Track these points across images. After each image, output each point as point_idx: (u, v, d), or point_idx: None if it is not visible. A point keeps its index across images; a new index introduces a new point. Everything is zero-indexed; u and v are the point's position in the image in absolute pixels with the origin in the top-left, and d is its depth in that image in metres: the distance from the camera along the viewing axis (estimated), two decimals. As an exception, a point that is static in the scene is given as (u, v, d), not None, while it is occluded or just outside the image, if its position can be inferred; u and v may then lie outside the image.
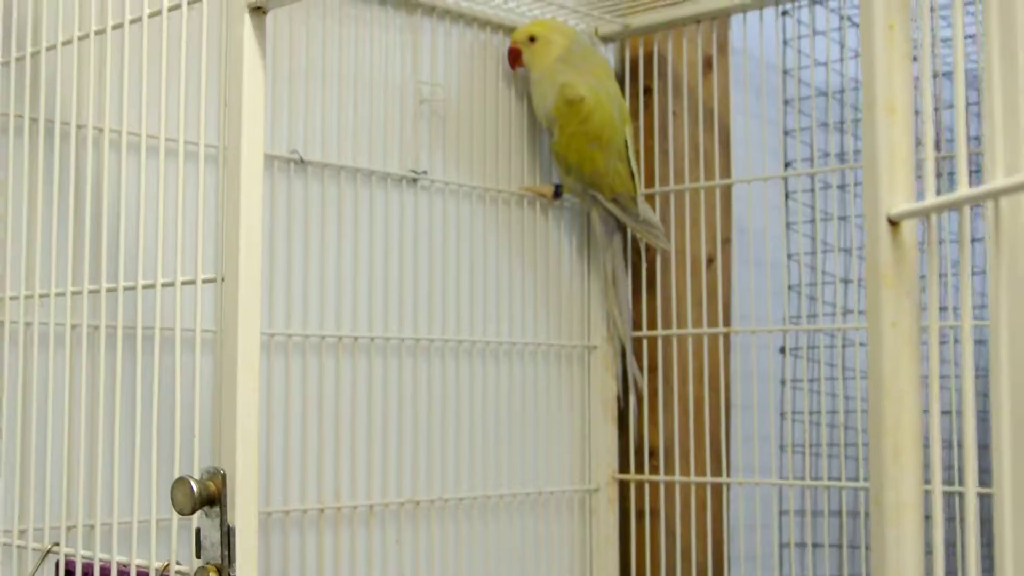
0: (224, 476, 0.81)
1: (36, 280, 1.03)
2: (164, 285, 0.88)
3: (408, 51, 1.44)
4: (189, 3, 0.89)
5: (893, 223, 0.57)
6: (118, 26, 0.94)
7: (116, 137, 1.07)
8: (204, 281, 0.85)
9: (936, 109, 1.86)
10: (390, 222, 1.41)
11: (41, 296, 1.01)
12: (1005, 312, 0.52)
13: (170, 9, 0.90)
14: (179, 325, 0.86)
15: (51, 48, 1.01)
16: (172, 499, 0.81)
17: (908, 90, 0.59)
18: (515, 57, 1.52)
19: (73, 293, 0.96)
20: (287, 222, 1.32)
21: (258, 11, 0.84)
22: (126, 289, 0.92)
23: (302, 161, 1.33)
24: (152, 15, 0.92)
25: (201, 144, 0.87)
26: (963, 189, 0.54)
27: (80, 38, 0.99)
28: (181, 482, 0.81)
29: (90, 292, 0.94)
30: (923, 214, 0.56)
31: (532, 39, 1.50)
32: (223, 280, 0.83)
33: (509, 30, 1.55)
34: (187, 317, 0.89)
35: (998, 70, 0.54)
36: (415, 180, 1.44)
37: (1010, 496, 0.52)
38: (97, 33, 0.97)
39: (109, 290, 0.94)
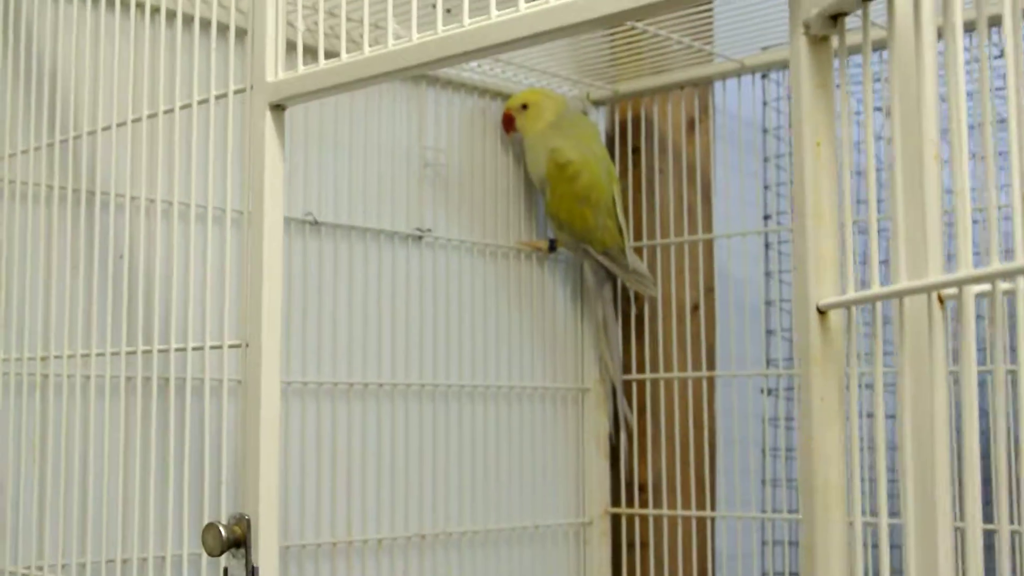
0: (248, 521, 0.89)
1: (79, 339, 1.12)
2: (194, 349, 0.97)
3: (413, 119, 1.54)
4: (216, 98, 0.98)
5: (821, 312, 0.66)
6: (153, 115, 1.04)
7: (152, 206, 1.16)
8: (230, 346, 0.94)
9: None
10: (397, 276, 1.50)
11: (83, 356, 1.10)
12: (908, 392, 0.61)
13: (200, 102, 0.99)
14: (208, 388, 0.95)
15: (91, 132, 1.10)
16: (203, 542, 0.90)
17: (833, 198, 0.68)
18: (509, 123, 1.61)
19: (112, 354, 1.05)
20: (303, 278, 1.41)
21: (278, 108, 0.93)
22: (160, 352, 1.01)
23: (316, 222, 1.42)
24: (183, 107, 1.01)
25: (228, 221, 0.96)
26: (875, 287, 0.62)
27: (118, 124, 1.08)
28: (211, 527, 0.89)
29: (127, 353, 1.03)
30: (844, 305, 0.65)
31: (524, 106, 1.59)
32: (247, 346, 0.92)
33: (506, 97, 1.64)
34: (216, 367, 0.98)
35: (901, 180, 0.63)
36: (420, 237, 1.53)
37: (915, 555, 0.60)
38: (134, 121, 1.07)
39: (145, 352, 1.03)
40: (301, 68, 0.92)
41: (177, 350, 0.99)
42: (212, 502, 0.95)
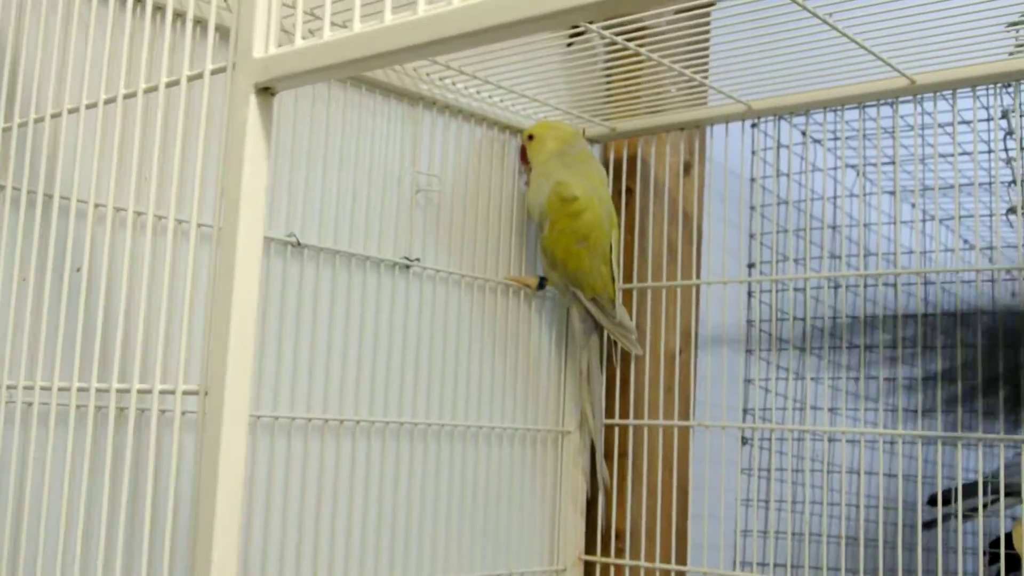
0: (194, 625, 0.57)
1: (22, 366, 0.78)
2: (140, 392, 0.65)
3: (408, 142, 1.22)
4: (189, 79, 0.66)
5: None
6: (111, 100, 0.71)
7: (106, 212, 0.83)
8: (185, 393, 0.61)
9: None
10: (381, 306, 1.18)
11: (25, 387, 0.77)
12: None
13: (168, 85, 0.67)
14: (154, 445, 0.62)
15: (39, 120, 0.77)
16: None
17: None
18: (524, 155, 1.31)
19: (42, 388, 0.72)
20: (280, 303, 1.09)
21: (266, 92, 0.61)
22: (99, 391, 0.68)
23: (299, 244, 1.10)
24: (148, 90, 0.68)
25: (193, 236, 0.64)
26: None
27: (70, 111, 0.75)
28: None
29: (60, 390, 0.70)
30: None
31: (531, 137, 1.30)
32: (206, 394, 0.59)
33: (504, 128, 1.33)
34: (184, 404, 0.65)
35: None
36: (408, 267, 1.21)
37: None
38: (88, 107, 0.74)
39: (80, 389, 0.69)
40: (299, 41, 0.60)
41: (120, 391, 0.66)
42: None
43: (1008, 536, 1.55)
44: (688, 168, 1.45)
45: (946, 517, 1.65)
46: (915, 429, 1.24)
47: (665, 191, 1.42)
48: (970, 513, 1.62)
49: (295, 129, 1.11)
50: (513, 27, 0.51)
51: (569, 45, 1.29)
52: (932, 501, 1.64)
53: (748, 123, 1.45)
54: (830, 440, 1.53)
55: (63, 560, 0.68)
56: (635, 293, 1.39)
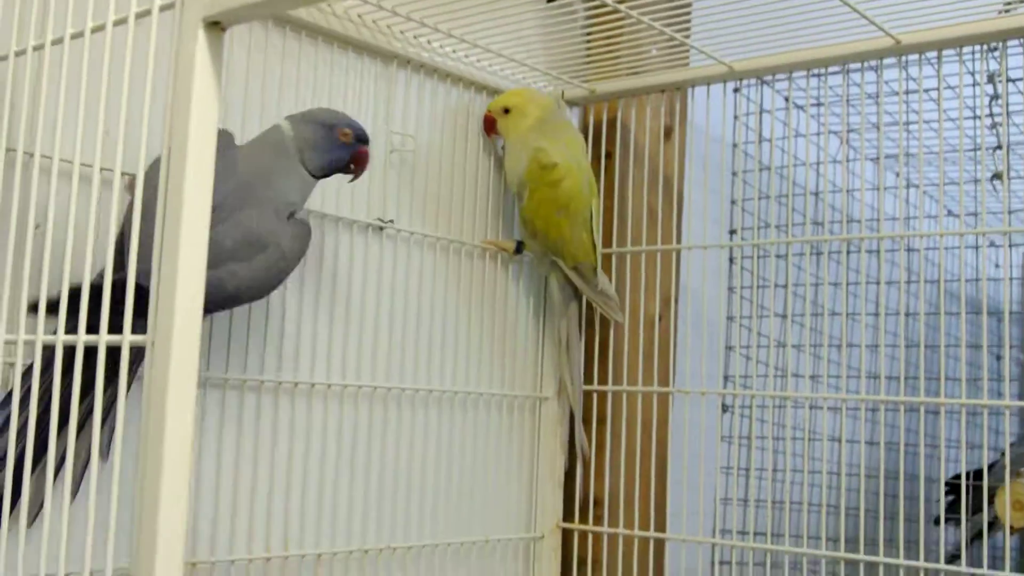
0: (136, 589, 0.53)
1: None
2: (87, 344, 0.61)
3: (381, 101, 1.18)
4: (138, 17, 0.61)
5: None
6: (57, 41, 0.67)
7: (63, 166, 0.79)
8: (132, 344, 0.57)
9: None
10: (354, 269, 1.15)
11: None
12: None
13: (116, 23, 0.63)
14: (99, 392, 0.59)
15: (-14, 64, 0.73)
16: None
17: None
18: (490, 125, 1.26)
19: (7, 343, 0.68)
20: (249, 265, 1.05)
21: (215, 27, 0.57)
22: (45, 345, 0.64)
23: (268, 204, 1.06)
24: (95, 29, 0.64)
25: (140, 179, 0.60)
26: None
27: (17, 54, 0.71)
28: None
29: (6, 343, 0.66)
30: None
31: (506, 110, 1.24)
32: (153, 345, 0.56)
33: (481, 88, 1.29)
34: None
35: None
36: (381, 228, 1.17)
37: None
38: (36, 48, 0.69)
39: (27, 342, 0.66)
40: (248, -28, 0.56)
41: (66, 344, 0.63)
42: (95, 545, 0.59)
43: (969, 474, 1.53)
44: (669, 132, 1.41)
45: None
46: (896, 395, 1.21)
47: (645, 156, 1.38)
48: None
49: (264, 85, 1.06)
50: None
51: (549, 1, 1.25)
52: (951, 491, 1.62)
53: (730, 87, 1.41)
54: (811, 408, 1.50)
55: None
56: (614, 258, 1.36)
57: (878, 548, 1.21)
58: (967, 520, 1.58)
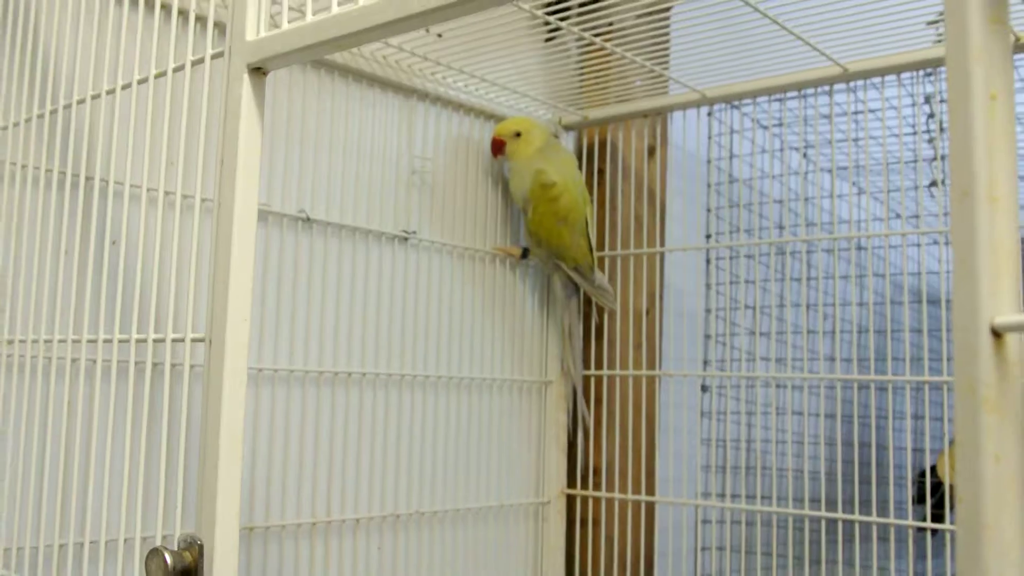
0: (201, 547, 0.54)
1: (43, 324, 0.76)
2: (156, 341, 0.62)
3: (404, 129, 1.19)
4: (193, 64, 0.63)
5: (997, 335, 0.33)
6: (127, 86, 0.68)
7: (126, 189, 0.80)
8: (193, 340, 0.59)
9: None
10: (383, 273, 1.16)
11: (46, 341, 0.74)
12: None
13: (175, 70, 0.64)
14: (168, 377, 0.60)
15: (67, 106, 0.74)
16: (147, 570, 0.54)
17: (1012, 172, 0.35)
18: (499, 147, 1.26)
19: (73, 341, 0.69)
20: (293, 272, 1.06)
21: (258, 72, 0.58)
22: (121, 342, 0.65)
23: (308, 219, 1.07)
24: (158, 75, 0.65)
25: (197, 207, 0.61)
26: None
27: (93, 97, 0.72)
28: (155, 554, 0.54)
29: (88, 341, 0.68)
30: (1042, 327, 0.32)
31: (517, 134, 1.25)
32: (210, 342, 0.57)
33: (488, 116, 1.30)
34: (181, 350, 0.62)
35: None
36: (406, 239, 1.18)
37: None
38: (108, 93, 0.71)
39: (106, 341, 0.67)
40: (286, 24, 0.57)
41: (139, 341, 0.64)
42: (167, 514, 0.60)
43: (933, 468, 1.53)
44: (652, 151, 1.42)
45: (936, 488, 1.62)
46: (851, 374, 1.21)
47: (632, 172, 1.39)
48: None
49: (304, 118, 1.08)
50: (468, 4, 0.48)
51: (547, 40, 1.25)
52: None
53: (704, 111, 1.41)
54: (778, 386, 1.50)
55: (92, 502, 0.66)
56: (607, 260, 1.36)
57: (837, 506, 1.21)
58: (913, 483, 1.58)
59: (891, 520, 1.11)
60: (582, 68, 1.29)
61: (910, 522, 1.09)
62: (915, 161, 1.47)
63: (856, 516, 1.13)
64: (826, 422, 1.34)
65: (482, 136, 1.29)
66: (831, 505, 1.20)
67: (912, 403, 1.29)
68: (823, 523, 1.16)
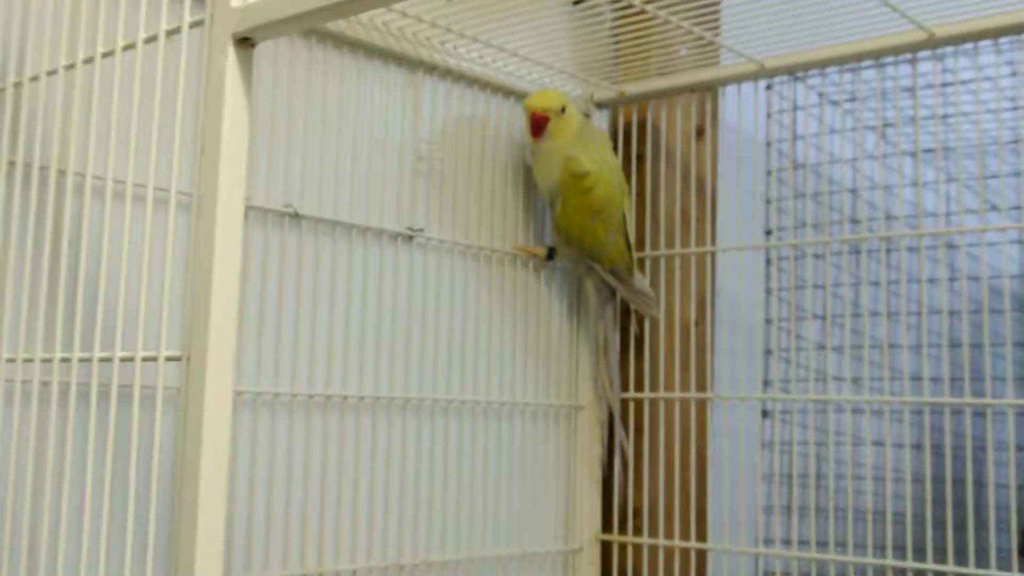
0: (179, 601, 0.55)
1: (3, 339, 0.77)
2: (123, 359, 0.63)
3: (408, 109, 1.20)
4: (168, 34, 0.63)
5: None
6: (88, 60, 0.69)
7: (85, 181, 0.81)
8: (168, 359, 0.59)
9: None
10: (384, 278, 1.16)
11: (8, 360, 0.75)
12: None
13: (146, 41, 0.65)
14: (136, 409, 0.61)
15: (17, 84, 0.75)
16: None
17: None
18: (541, 125, 1.21)
19: (24, 361, 0.70)
20: (279, 275, 1.07)
21: (245, 43, 0.59)
22: (81, 361, 0.66)
23: (297, 215, 1.08)
24: (126, 47, 0.66)
25: (172, 203, 0.62)
26: None
27: (49, 73, 0.73)
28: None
29: (43, 361, 0.69)
30: None
31: (563, 109, 1.21)
32: (188, 360, 0.57)
33: (509, 93, 1.31)
34: (168, 377, 0.63)
35: None
36: (411, 237, 1.19)
37: None
38: (67, 68, 0.72)
39: (63, 360, 0.68)
40: (276, -14, 0.58)
41: (102, 360, 0.65)
42: (135, 566, 0.60)
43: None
44: (701, 133, 1.42)
45: None
46: (941, 396, 1.21)
47: (677, 157, 1.39)
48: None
49: (291, 96, 1.09)
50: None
51: (575, 3, 1.26)
52: None
53: (762, 84, 1.41)
54: (854, 411, 1.50)
55: (48, 535, 0.67)
56: (648, 261, 1.37)
57: (926, 555, 1.21)
58: (1018, 528, 1.57)
59: (992, 572, 1.10)
60: (617, 35, 1.29)
61: (1015, 575, 1.09)
62: (1016, 142, 1.46)
63: (949, 567, 1.12)
64: (912, 454, 1.34)
65: (500, 115, 1.30)
66: (919, 554, 1.19)
67: (1016, 431, 1.29)
68: (909, 575, 1.15)
